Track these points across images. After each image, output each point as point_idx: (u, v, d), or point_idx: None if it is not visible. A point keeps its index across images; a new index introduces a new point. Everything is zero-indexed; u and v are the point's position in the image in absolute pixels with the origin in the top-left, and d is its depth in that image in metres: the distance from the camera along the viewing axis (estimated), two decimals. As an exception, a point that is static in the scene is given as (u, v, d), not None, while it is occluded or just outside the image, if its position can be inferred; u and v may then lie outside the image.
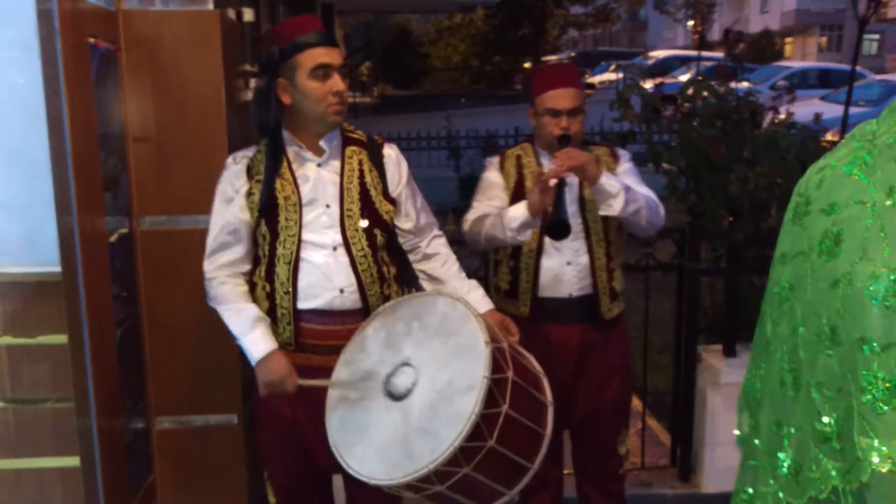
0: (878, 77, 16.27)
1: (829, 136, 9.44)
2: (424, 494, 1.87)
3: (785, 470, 1.43)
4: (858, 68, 11.95)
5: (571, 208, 2.49)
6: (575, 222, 2.49)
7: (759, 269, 3.51)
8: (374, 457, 1.87)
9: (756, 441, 1.55)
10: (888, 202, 1.26)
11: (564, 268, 2.53)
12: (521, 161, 2.62)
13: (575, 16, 29.95)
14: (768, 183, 3.69)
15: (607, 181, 2.38)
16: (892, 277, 1.21)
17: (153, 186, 2.49)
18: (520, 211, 2.40)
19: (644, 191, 2.52)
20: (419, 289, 2.28)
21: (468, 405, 1.78)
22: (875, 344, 1.23)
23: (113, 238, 2.36)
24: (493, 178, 2.64)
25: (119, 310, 2.39)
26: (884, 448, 1.23)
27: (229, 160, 2.17)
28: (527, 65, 27.16)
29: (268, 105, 2.09)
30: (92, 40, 2.21)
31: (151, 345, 2.57)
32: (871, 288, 1.23)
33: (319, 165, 2.14)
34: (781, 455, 1.44)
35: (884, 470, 1.22)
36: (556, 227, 2.30)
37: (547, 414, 1.97)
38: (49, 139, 2.04)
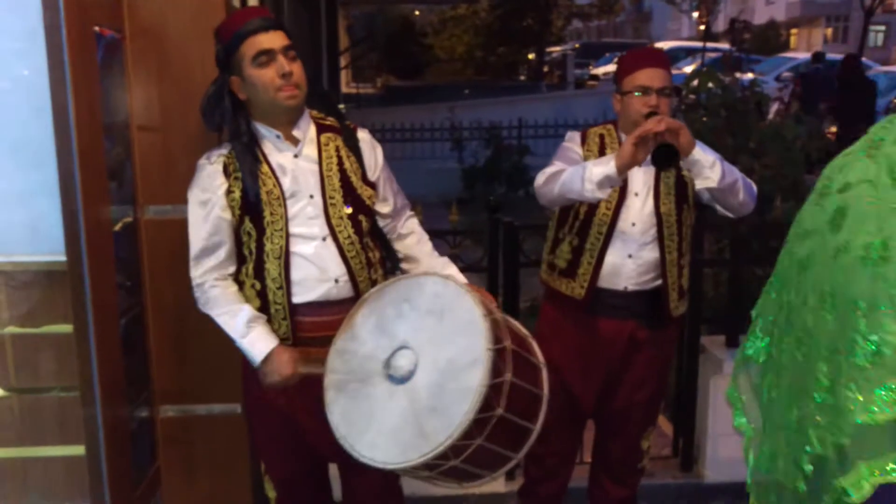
0: (884, 68, 16.18)
1: (832, 129, 9.42)
2: (439, 471, 1.88)
3: (791, 428, 1.50)
4: (864, 59, 11.90)
5: (645, 202, 2.45)
6: (647, 216, 2.45)
7: (763, 260, 3.51)
8: (387, 442, 1.88)
9: (774, 401, 1.60)
10: (888, 180, 1.37)
11: (625, 260, 2.47)
12: (604, 140, 2.53)
13: (579, 6, 29.80)
14: (773, 174, 3.69)
15: (701, 152, 2.28)
16: (880, 245, 1.32)
17: (157, 175, 2.49)
18: (606, 163, 2.24)
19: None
20: (401, 272, 2.28)
21: (475, 379, 1.80)
22: (863, 304, 1.32)
23: (117, 227, 2.36)
24: (573, 147, 2.54)
25: (123, 299, 2.40)
26: (861, 398, 1.31)
27: (202, 161, 2.11)
28: (531, 56, 27.05)
29: (220, 106, 2.06)
30: (97, 29, 2.21)
31: (156, 334, 2.58)
32: (864, 254, 1.34)
33: (296, 156, 2.11)
34: (789, 415, 1.51)
35: (861, 420, 1.30)
36: (662, 150, 2.18)
37: (541, 375, 2.01)
38: (54, 128, 2.04)
